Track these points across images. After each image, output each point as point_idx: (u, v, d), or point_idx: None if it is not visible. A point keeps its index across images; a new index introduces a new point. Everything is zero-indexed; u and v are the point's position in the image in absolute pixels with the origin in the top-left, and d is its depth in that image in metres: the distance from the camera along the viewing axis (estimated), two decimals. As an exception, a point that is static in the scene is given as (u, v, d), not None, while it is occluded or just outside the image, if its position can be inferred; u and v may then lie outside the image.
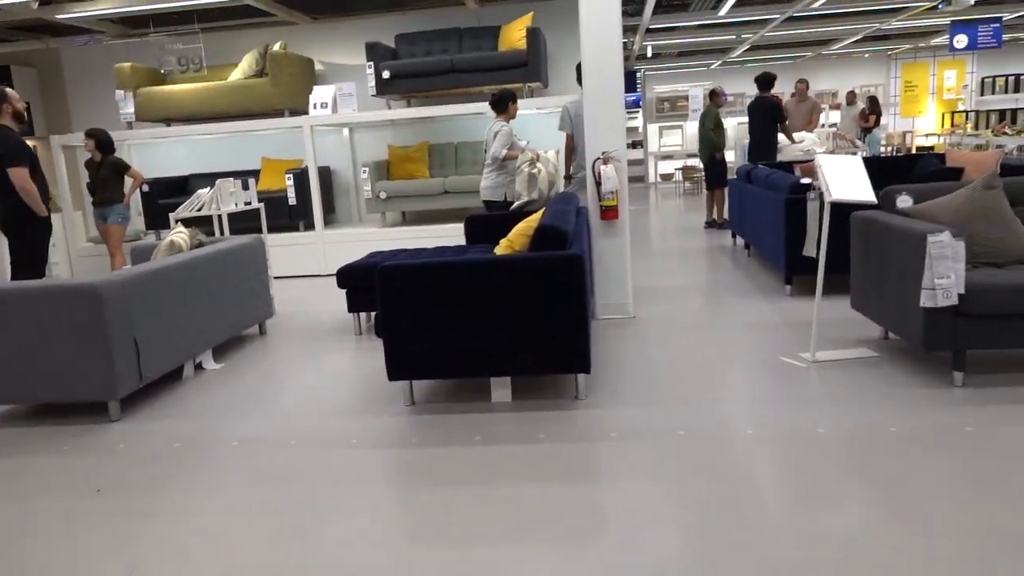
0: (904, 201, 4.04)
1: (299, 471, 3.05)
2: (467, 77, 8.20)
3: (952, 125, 16.01)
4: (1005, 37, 13.73)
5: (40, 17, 8.19)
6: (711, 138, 9.31)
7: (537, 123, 8.28)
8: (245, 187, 5.95)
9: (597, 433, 3.22)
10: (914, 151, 15.75)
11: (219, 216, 5.80)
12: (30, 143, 10.31)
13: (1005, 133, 10.48)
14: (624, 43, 14.41)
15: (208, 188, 5.70)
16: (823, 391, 3.57)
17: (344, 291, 5.77)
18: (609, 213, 5.02)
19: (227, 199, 5.67)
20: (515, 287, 3.43)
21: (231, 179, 5.75)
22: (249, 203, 5.98)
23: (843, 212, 5.09)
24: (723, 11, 10.94)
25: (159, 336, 4.10)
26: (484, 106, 8.03)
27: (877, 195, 4.03)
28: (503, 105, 6.16)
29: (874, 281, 4.00)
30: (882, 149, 14.14)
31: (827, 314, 4.92)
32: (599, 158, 5.01)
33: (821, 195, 4.02)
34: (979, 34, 12.50)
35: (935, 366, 3.81)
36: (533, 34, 8.00)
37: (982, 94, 17.04)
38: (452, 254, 5.18)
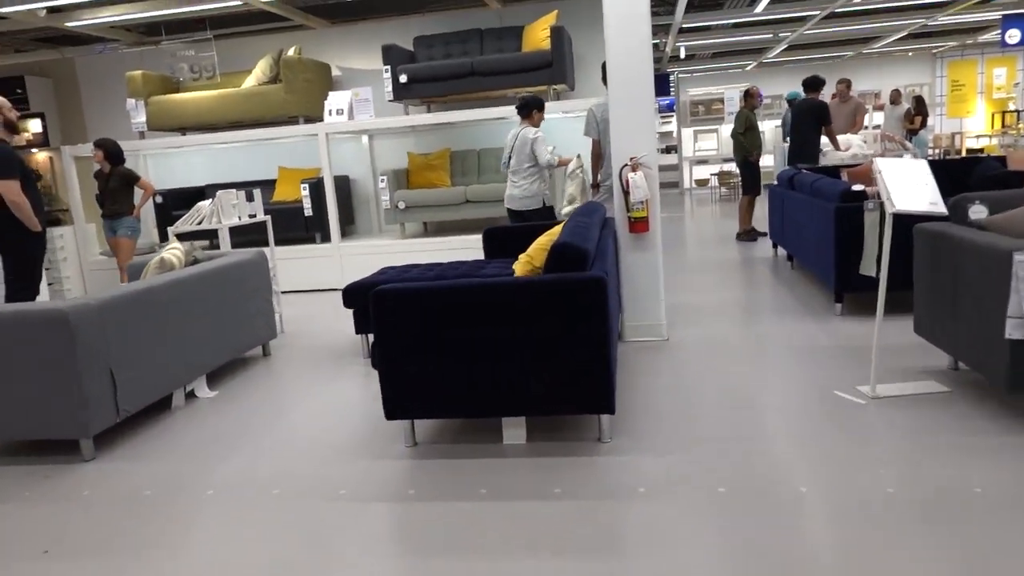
0: (978, 211, 3.52)
1: (274, 531, 2.64)
2: (488, 80, 7.79)
3: (1003, 125, 15.21)
4: (1062, 31, 12.93)
5: (49, 25, 7.98)
6: (740, 142, 8.80)
7: (563, 128, 7.83)
8: (250, 198, 5.59)
9: (622, 487, 2.76)
10: (964, 153, 14.98)
11: (224, 230, 5.45)
12: (45, 155, 10.18)
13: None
14: (656, 44, 13.91)
15: (209, 200, 5.35)
16: (888, 437, 3.06)
17: (351, 311, 5.39)
18: (638, 225, 4.55)
19: (229, 212, 5.31)
20: (527, 314, 2.99)
21: (233, 190, 5.39)
22: (254, 216, 5.63)
23: (903, 222, 4.55)
24: (759, 8, 10.40)
25: (142, 365, 3.74)
26: (507, 110, 7.63)
27: (946, 204, 3.51)
28: (528, 111, 5.86)
29: (944, 305, 3.48)
30: (929, 151, 13.43)
31: (885, 338, 4.39)
32: (627, 164, 4.55)
33: (881, 205, 3.52)
34: (1034, 28, 11.78)
35: (1019, 406, 3.28)
36: (557, 33, 7.57)
37: (1035, 92, 16.19)
38: (467, 270, 4.76)
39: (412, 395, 3.13)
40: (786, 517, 2.47)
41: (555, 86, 7.74)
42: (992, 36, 14.49)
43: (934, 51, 16.69)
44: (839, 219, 4.86)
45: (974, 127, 16.21)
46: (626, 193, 4.53)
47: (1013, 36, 11.90)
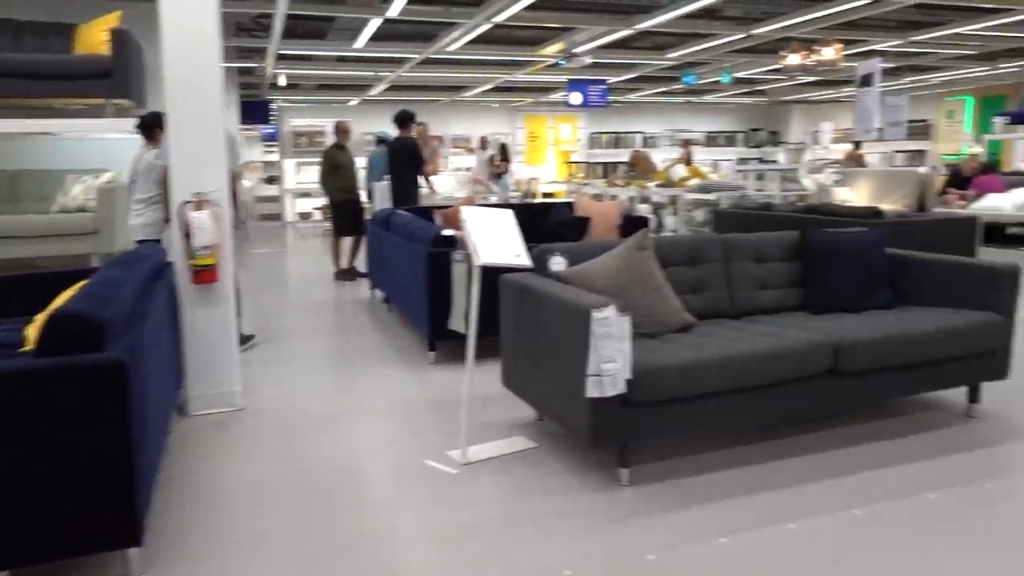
0: (557, 263, 3.51)
1: None
2: (24, 84, 6.17)
3: (569, 175, 17.50)
4: (609, 98, 15.33)
5: None
6: (327, 184, 8.34)
7: (127, 151, 6.58)
8: None
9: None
10: (540, 197, 16.82)
11: None
12: None
13: (616, 184, 11.41)
14: (252, 68, 13.02)
15: None
16: (480, 515, 2.77)
17: None
18: (205, 275, 3.76)
19: None
20: (3, 419, 2.05)
21: None
22: None
23: (494, 269, 4.49)
24: (360, 43, 10.25)
25: None
26: (57, 124, 6.20)
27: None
28: (150, 130, 5.32)
29: (528, 359, 3.38)
30: (512, 195, 14.75)
31: (479, 387, 4.24)
32: (189, 201, 3.75)
33: (468, 256, 3.31)
34: (590, 93, 13.70)
35: (595, 455, 3.27)
36: (121, 38, 6.31)
37: (591, 148, 19.00)
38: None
39: None
40: (365, 659, 1.96)
41: (116, 100, 6.46)
42: (559, 96, 16.57)
43: (514, 105, 18.58)
44: (431, 264, 4.67)
45: (547, 175, 18.39)
46: (187, 236, 3.72)
47: (575, 98, 13.67)
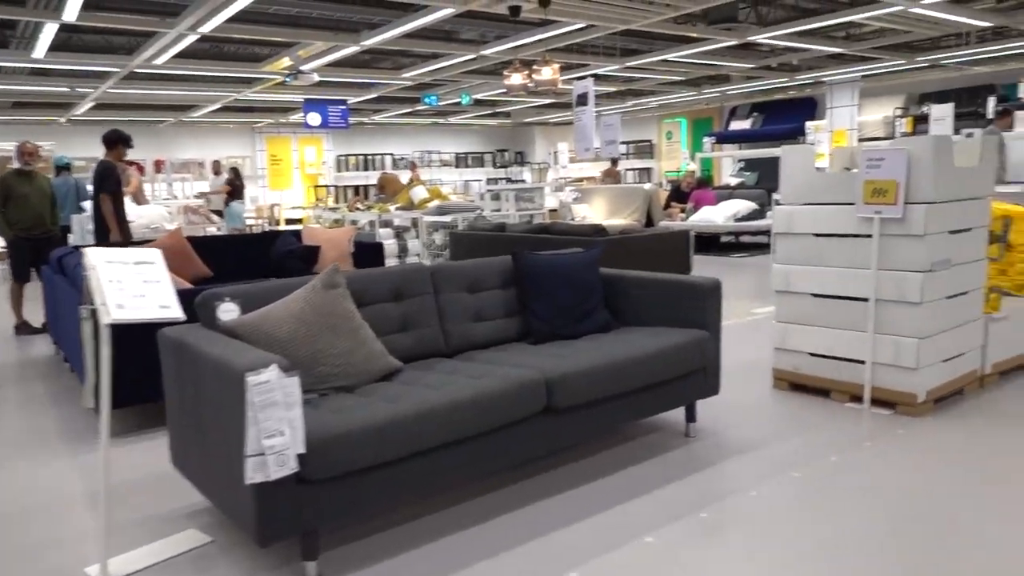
0: (227, 312, 2.89)
1: None
2: None
3: (317, 199, 16.64)
4: (352, 120, 14.75)
5: None
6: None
7: None
8: None
9: None
10: (283, 224, 15.77)
11: None
12: None
13: (358, 208, 10.87)
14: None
15: None
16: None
17: None
18: None
19: None
20: None
21: None
22: None
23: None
24: (39, 53, 8.72)
25: None
26: None
27: (188, 304, 2.78)
28: None
29: (193, 434, 2.72)
30: (249, 223, 13.61)
31: (144, 468, 3.45)
32: None
33: (95, 312, 2.58)
34: (330, 114, 13.03)
35: (281, 545, 2.68)
36: None
37: (339, 170, 18.27)
38: None
39: None
40: None
41: None
42: (299, 117, 15.68)
43: (253, 126, 17.33)
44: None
45: (293, 199, 17.35)
46: None
47: (314, 119, 12.91)
